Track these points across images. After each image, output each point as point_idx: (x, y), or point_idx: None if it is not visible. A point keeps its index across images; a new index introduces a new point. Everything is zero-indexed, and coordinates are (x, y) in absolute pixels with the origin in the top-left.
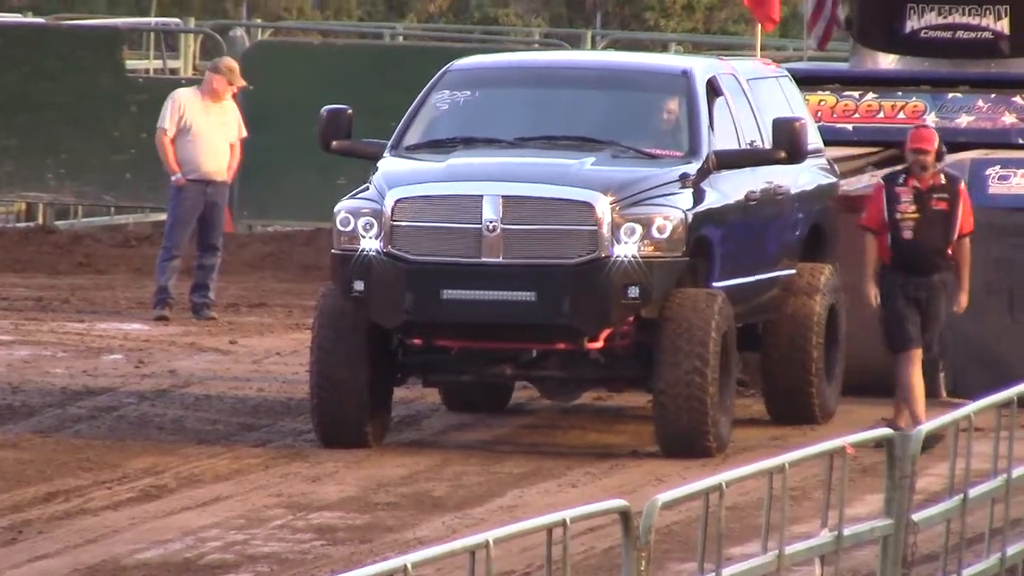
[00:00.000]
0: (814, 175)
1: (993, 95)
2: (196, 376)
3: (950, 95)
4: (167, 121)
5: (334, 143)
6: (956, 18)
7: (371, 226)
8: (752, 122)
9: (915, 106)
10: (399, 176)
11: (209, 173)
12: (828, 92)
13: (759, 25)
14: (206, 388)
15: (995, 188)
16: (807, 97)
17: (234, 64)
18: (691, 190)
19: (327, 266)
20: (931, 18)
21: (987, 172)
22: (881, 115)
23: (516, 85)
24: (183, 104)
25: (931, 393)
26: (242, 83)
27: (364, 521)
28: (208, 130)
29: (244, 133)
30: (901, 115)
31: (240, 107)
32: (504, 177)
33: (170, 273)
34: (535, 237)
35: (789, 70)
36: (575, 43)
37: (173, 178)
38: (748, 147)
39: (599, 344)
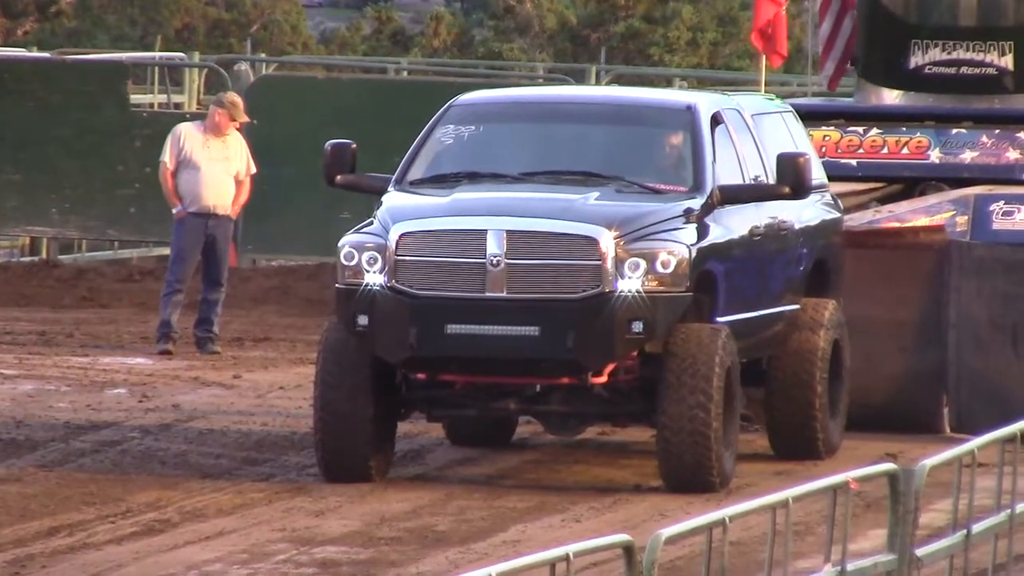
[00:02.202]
0: (818, 210)
1: (997, 131)
2: (200, 410)
3: (954, 131)
4: (167, 155)
5: (338, 177)
6: (960, 54)
7: (375, 260)
8: (756, 157)
9: (919, 142)
10: (403, 210)
11: (210, 207)
12: (832, 127)
13: (763, 60)
14: (210, 422)
15: (999, 224)
16: (811, 132)
17: (238, 99)
18: (695, 225)
19: (331, 300)
20: (936, 54)
21: (991, 208)
22: (885, 150)
23: (520, 120)
24: (184, 137)
25: (934, 429)
26: (245, 119)
27: (367, 555)
28: (209, 164)
29: (253, 169)
30: (905, 150)
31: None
32: (508, 212)
33: (173, 307)
34: (539, 272)
35: (793, 105)
36: (579, 78)
37: (174, 211)
38: (752, 182)
39: (603, 379)
